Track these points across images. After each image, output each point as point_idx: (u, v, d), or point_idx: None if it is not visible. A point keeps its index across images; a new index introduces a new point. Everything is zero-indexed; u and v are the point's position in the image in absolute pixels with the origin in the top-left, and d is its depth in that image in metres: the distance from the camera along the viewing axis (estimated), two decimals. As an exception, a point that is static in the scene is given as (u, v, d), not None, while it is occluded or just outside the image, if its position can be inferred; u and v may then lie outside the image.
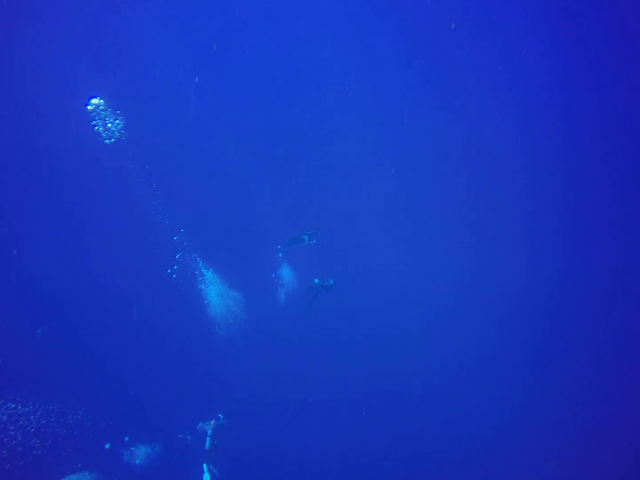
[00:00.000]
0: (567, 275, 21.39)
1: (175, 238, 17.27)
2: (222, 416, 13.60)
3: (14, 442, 13.79)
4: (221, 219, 19.26)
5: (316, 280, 16.70)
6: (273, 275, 18.95)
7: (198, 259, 18.22)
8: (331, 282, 16.27)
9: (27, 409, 14.07)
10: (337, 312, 19.40)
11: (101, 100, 13.94)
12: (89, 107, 13.99)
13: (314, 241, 16.41)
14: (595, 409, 19.70)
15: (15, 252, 17.39)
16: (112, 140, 15.26)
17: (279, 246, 18.67)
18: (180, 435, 15.29)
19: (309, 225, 18.06)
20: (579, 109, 19.82)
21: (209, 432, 13.21)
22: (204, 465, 12.93)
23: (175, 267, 17.39)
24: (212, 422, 13.37)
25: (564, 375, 20.66)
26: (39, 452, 14.22)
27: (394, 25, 19.34)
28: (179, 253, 17.80)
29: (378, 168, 20.78)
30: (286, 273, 19.45)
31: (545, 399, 20.37)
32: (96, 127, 14.94)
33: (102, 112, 14.62)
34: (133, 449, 15.30)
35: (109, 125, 14.83)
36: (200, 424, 13.63)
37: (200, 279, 17.89)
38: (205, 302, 18.39)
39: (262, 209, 19.70)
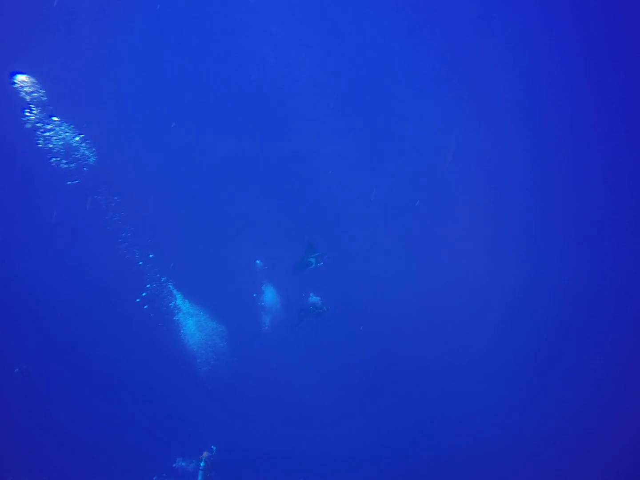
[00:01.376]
0: (568, 275, 20.26)
1: (140, 263, 15.81)
2: (215, 447, 12.04)
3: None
4: (193, 242, 17.81)
5: (312, 298, 15.71)
6: (255, 295, 17.51)
7: (171, 286, 16.78)
8: (325, 308, 15.32)
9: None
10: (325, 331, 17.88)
11: (31, 80, 12.60)
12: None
13: (321, 263, 14.91)
14: (596, 410, 18.73)
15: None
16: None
17: (257, 261, 17.35)
18: (155, 478, 13.26)
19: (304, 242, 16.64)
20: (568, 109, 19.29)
21: (202, 464, 11.69)
22: None
23: (144, 294, 15.83)
24: (205, 454, 11.82)
25: (562, 376, 19.71)
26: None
27: (389, 24, 18.62)
28: (149, 283, 16.36)
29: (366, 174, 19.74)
30: (269, 294, 18.11)
31: (544, 400, 19.42)
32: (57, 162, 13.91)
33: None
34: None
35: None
36: (179, 459, 11.86)
37: (172, 303, 16.35)
38: (182, 333, 16.85)
39: (239, 227, 18.40)
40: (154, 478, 13.21)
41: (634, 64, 17.69)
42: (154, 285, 16.47)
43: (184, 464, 11.86)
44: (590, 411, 18.65)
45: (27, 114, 13.02)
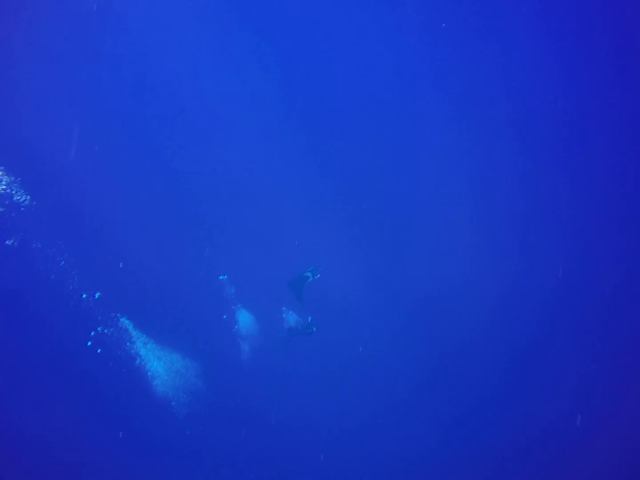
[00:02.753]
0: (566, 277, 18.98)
1: (84, 296, 13.80)
2: None
3: None
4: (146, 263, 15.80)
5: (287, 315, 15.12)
6: (225, 316, 15.67)
7: (128, 326, 14.73)
8: (314, 328, 14.73)
9: None
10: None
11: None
12: None
13: (318, 276, 14.51)
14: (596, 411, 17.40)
15: None
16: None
17: (222, 277, 15.61)
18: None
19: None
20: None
21: None
22: None
23: (92, 333, 13.76)
24: None
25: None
26: None
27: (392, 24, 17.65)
28: (99, 325, 14.33)
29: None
30: (243, 316, 16.31)
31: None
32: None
33: None
34: None
35: None
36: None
37: (130, 345, 14.30)
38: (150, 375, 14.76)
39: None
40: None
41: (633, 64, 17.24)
42: (111, 329, 14.48)
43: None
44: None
45: None
